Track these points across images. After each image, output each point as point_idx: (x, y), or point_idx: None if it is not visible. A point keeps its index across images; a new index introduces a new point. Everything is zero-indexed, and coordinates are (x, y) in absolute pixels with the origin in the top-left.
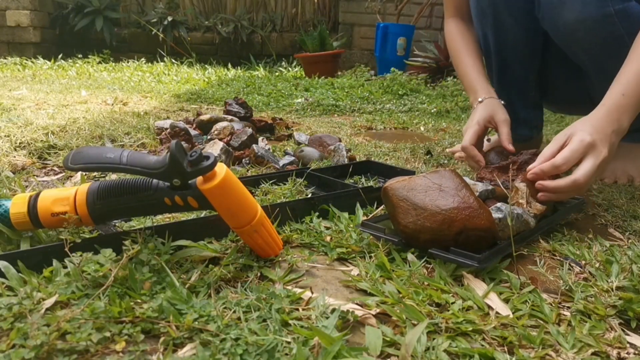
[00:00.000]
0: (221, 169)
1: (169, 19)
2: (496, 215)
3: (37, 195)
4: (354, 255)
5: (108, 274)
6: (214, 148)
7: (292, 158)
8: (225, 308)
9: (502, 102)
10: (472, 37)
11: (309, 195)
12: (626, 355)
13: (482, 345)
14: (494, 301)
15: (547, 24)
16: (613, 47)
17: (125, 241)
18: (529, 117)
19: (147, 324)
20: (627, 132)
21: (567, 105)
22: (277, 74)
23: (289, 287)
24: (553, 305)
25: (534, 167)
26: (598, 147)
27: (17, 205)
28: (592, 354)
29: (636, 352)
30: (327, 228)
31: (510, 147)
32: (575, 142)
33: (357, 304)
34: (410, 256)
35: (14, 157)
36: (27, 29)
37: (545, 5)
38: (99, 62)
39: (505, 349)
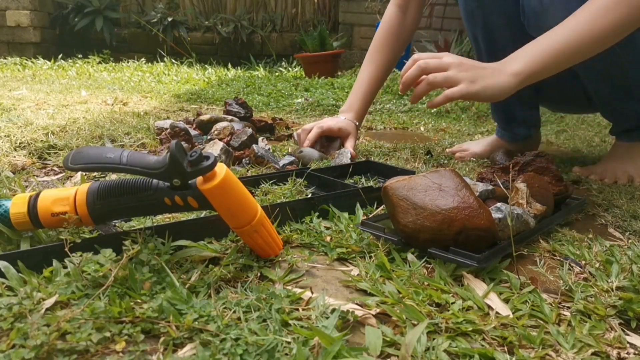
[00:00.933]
0: (221, 169)
1: (169, 19)
2: (496, 215)
3: (37, 195)
4: (354, 255)
5: (108, 274)
6: (214, 148)
7: (292, 158)
8: (225, 308)
9: (357, 124)
10: (397, 36)
11: (309, 195)
12: (626, 355)
13: (482, 345)
14: (494, 301)
15: (532, 29)
16: None
17: (125, 241)
18: (525, 117)
19: (147, 324)
20: (525, 75)
21: (562, 103)
22: (277, 74)
23: (289, 287)
24: (553, 305)
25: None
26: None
27: (17, 205)
28: (592, 354)
29: (636, 352)
30: (327, 228)
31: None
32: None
33: (357, 304)
34: (410, 256)
35: (14, 157)
36: (27, 29)
37: (529, 12)
38: (99, 62)
39: (505, 349)
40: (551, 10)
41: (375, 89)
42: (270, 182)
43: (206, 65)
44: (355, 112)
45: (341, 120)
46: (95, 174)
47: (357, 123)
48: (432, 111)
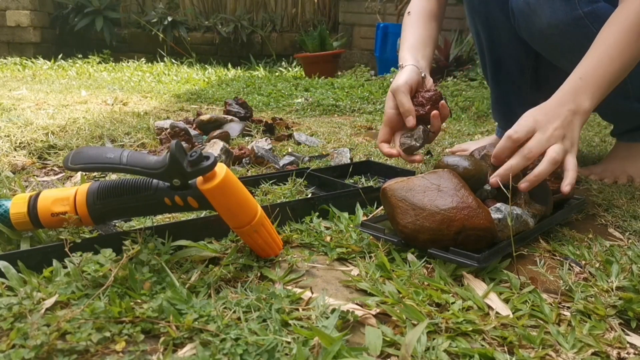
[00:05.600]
0: (221, 169)
1: (169, 19)
2: (495, 215)
3: (37, 195)
4: (354, 255)
5: (108, 274)
6: (214, 148)
7: (292, 158)
8: (225, 308)
9: (423, 73)
10: (434, 14)
11: (309, 195)
12: (626, 355)
13: (482, 345)
14: (494, 301)
15: (523, 32)
16: (588, 48)
17: (125, 241)
18: None
19: (147, 324)
20: (592, 110)
21: None
22: (277, 74)
23: (289, 287)
24: (553, 305)
25: (493, 153)
26: (543, 124)
27: (17, 205)
28: (592, 354)
29: (636, 352)
30: (327, 228)
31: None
32: (520, 120)
33: (357, 304)
34: (410, 256)
35: (14, 157)
36: (27, 29)
37: (518, 15)
38: (99, 62)
39: (505, 349)
40: (539, 11)
41: (432, 46)
42: (270, 182)
43: (206, 65)
44: (412, 57)
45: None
46: (95, 174)
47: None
48: None
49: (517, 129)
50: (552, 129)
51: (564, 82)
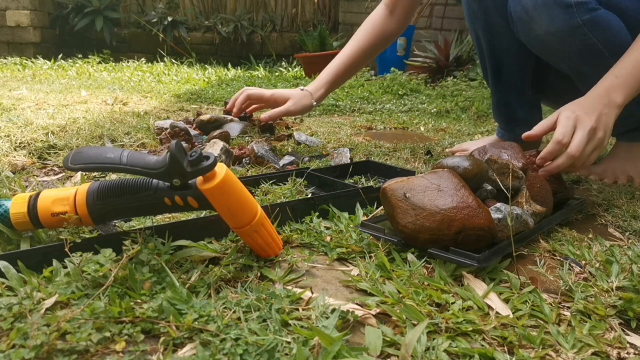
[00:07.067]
0: (221, 169)
1: (169, 19)
2: (495, 215)
3: (37, 195)
4: (354, 255)
5: (108, 274)
6: (214, 148)
7: (292, 158)
8: (225, 308)
9: (314, 102)
10: (379, 30)
11: (309, 195)
12: (626, 355)
13: (482, 345)
14: (494, 301)
15: (522, 37)
16: (588, 55)
17: (125, 241)
18: (526, 117)
19: (147, 324)
20: (624, 104)
21: (566, 102)
22: (277, 74)
23: (289, 287)
24: (553, 305)
25: (540, 155)
26: (583, 119)
27: (17, 205)
28: (592, 354)
29: (636, 352)
30: (327, 228)
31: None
32: (562, 119)
33: (357, 304)
34: (410, 256)
35: (14, 157)
36: (27, 29)
37: (517, 21)
38: (99, 62)
39: (505, 349)
40: (537, 18)
41: (345, 71)
42: (270, 182)
43: (206, 65)
44: (314, 86)
45: (292, 90)
46: (95, 174)
47: (312, 94)
48: (432, 111)
49: (564, 132)
50: (590, 124)
51: (601, 79)
